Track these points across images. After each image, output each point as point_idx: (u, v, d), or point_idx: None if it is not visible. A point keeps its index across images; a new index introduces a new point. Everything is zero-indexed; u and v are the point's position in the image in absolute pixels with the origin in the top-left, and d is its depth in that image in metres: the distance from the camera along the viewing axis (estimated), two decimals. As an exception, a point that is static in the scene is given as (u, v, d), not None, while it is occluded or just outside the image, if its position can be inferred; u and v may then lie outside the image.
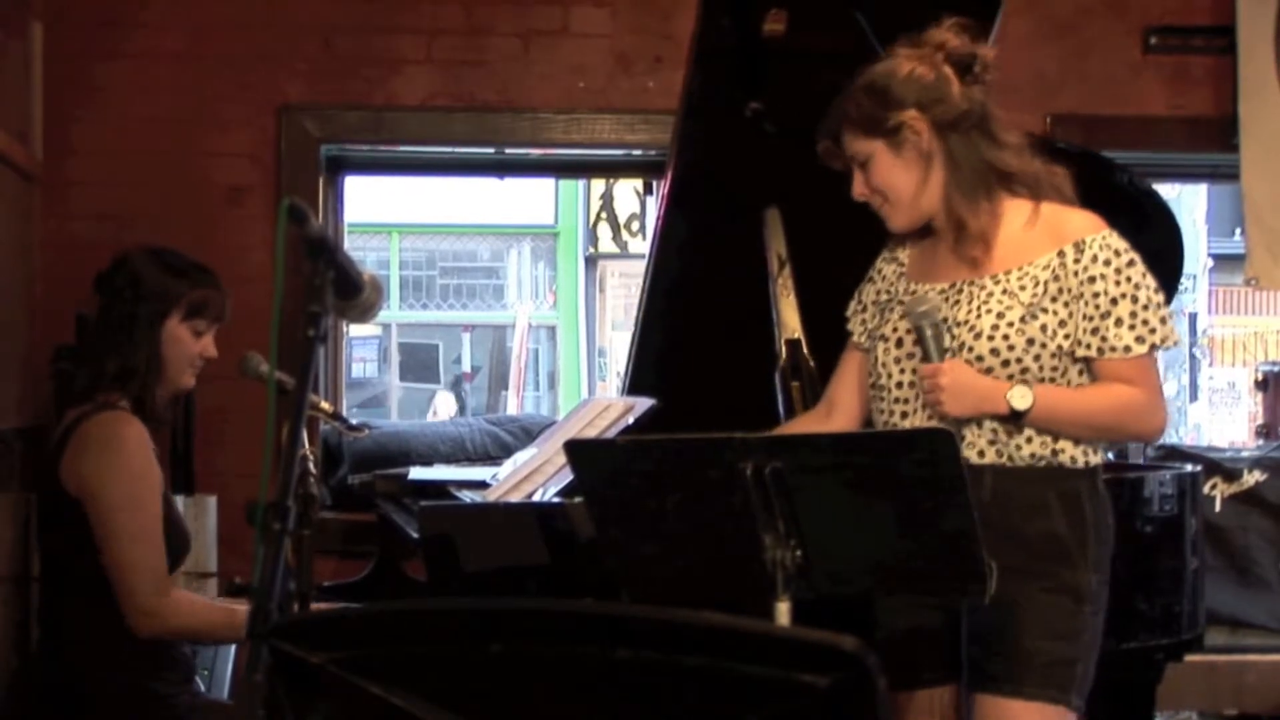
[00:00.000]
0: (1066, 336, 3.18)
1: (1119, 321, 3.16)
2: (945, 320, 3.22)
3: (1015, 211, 3.27)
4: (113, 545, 3.68)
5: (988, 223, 3.24)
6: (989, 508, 3.08)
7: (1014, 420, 3.16)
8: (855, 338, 3.47)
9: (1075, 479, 3.21)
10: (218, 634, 3.89)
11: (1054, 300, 3.19)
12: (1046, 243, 3.22)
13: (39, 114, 5.32)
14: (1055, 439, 3.20)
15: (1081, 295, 3.17)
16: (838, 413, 3.50)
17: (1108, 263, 3.18)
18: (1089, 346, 3.18)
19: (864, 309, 3.47)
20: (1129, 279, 3.18)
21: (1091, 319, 3.17)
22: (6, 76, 4.89)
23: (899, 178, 3.27)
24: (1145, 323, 3.17)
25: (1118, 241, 3.21)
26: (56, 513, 3.80)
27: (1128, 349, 3.16)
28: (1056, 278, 3.19)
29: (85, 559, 3.70)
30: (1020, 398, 3.13)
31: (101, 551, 3.69)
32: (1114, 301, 3.16)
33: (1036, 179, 3.28)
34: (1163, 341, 3.20)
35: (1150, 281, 3.20)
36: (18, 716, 3.90)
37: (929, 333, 3.17)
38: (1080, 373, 3.22)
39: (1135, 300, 3.17)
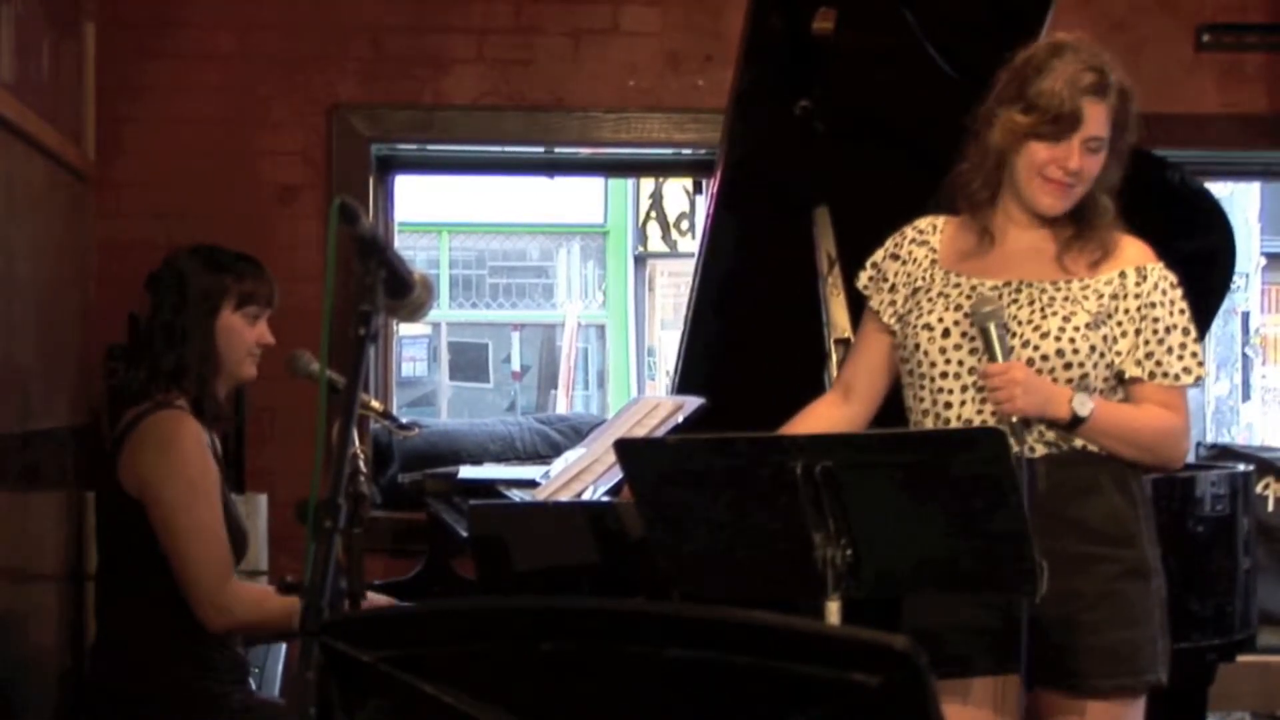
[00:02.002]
0: (1118, 354, 3.26)
1: (1170, 350, 3.26)
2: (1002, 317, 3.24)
3: None
4: (178, 544, 3.70)
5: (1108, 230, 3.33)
6: (1046, 495, 3.12)
7: (1070, 427, 3.19)
8: (883, 318, 3.44)
9: (1119, 461, 3.25)
10: (284, 624, 3.89)
11: (1110, 317, 3.26)
12: (1106, 264, 3.29)
13: (91, 114, 5.35)
14: None
15: (1143, 319, 3.26)
16: (854, 397, 3.50)
17: (1165, 292, 3.28)
18: (1142, 369, 3.26)
19: (891, 288, 3.44)
20: (1182, 311, 3.29)
21: (1149, 344, 3.26)
22: (60, 77, 4.92)
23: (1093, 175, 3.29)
24: (1194, 355, 3.28)
25: (1172, 274, 3.31)
26: (115, 512, 3.83)
27: (1177, 377, 3.26)
28: (1116, 296, 3.27)
29: (142, 558, 3.72)
30: (1082, 404, 3.16)
31: (167, 552, 3.70)
32: (1168, 330, 3.26)
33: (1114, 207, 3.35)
34: (1202, 377, 3.31)
35: (1192, 318, 3.32)
36: (72, 714, 3.92)
37: (995, 333, 3.17)
38: (1113, 391, 3.28)
39: (1187, 333, 3.28)
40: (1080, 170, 3.23)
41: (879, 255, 3.48)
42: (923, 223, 3.46)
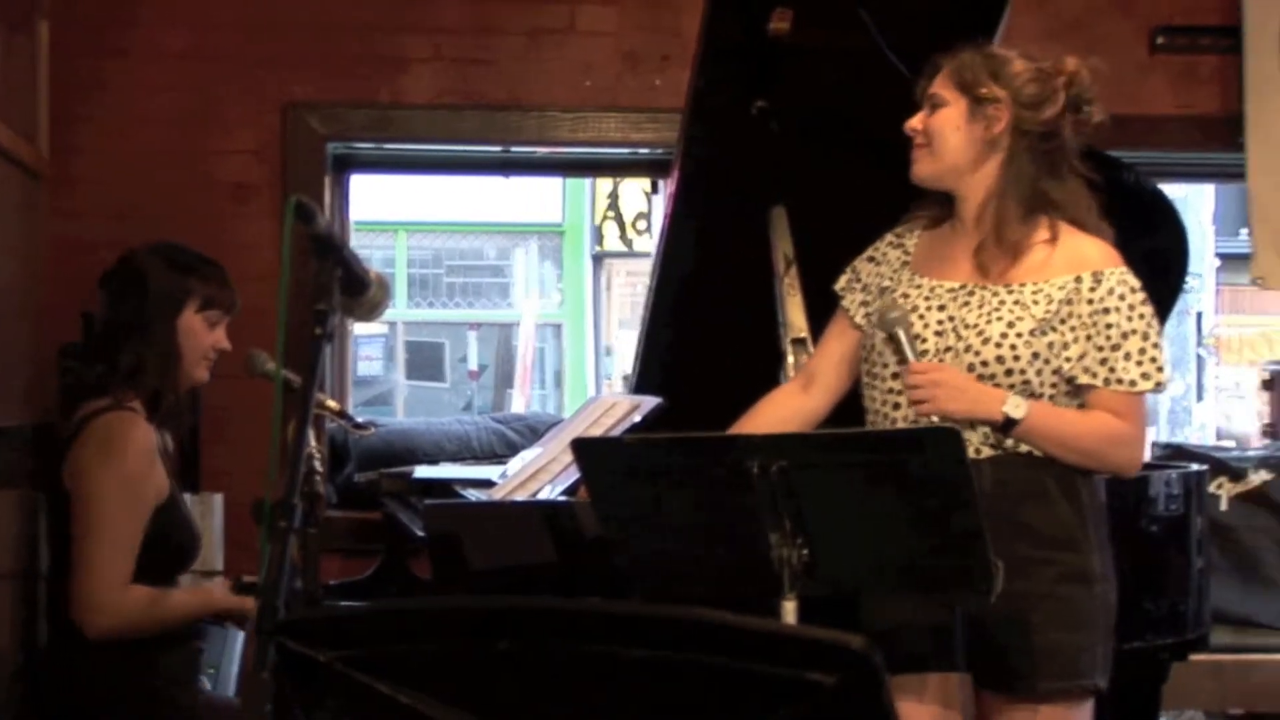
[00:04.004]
0: (1068, 360, 3.22)
1: (1128, 356, 3.21)
2: (953, 319, 3.26)
3: (1039, 230, 3.31)
4: (81, 539, 3.67)
5: (1022, 238, 3.29)
6: (991, 498, 3.09)
7: (1004, 430, 3.19)
8: (852, 315, 3.47)
9: (1066, 465, 3.24)
10: (175, 620, 3.82)
11: (1063, 322, 3.23)
12: (1063, 266, 3.27)
13: (45, 112, 5.32)
14: None
15: (1095, 325, 3.22)
16: (816, 386, 3.53)
17: (1122, 297, 3.23)
18: (1094, 375, 3.23)
19: (864, 288, 3.48)
20: (1141, 316, 3.23)
21: (1102, 349, 3.22)
22: (13, 74, 4.89)
23: (954, 138, 3.30)
24: (1153, 360, 3.23)
25: (1133, 279, 3.26)
26: (61, 510, 3.81)
27: (1133, 383, 3.22)
28: (1069, 301, 3.23)
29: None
30: (1015, 407, 3.16)
31: (72, 542, 3.67)
32: (1125, 336, 3.22)
33: (1074, 207, 3.32)
34: (1162, 383, 3.25)
35: (1156, 324, 3.27)
36: (24, 714, 3.90)
37: (904, 337, 3.20)
38: (1068, 396, 3.26)
39: (1146, 338, 3.23)
40: (919, 126, 3.32)
41: (858, 260, 3.53)
42: (901, 227, 3.49)
